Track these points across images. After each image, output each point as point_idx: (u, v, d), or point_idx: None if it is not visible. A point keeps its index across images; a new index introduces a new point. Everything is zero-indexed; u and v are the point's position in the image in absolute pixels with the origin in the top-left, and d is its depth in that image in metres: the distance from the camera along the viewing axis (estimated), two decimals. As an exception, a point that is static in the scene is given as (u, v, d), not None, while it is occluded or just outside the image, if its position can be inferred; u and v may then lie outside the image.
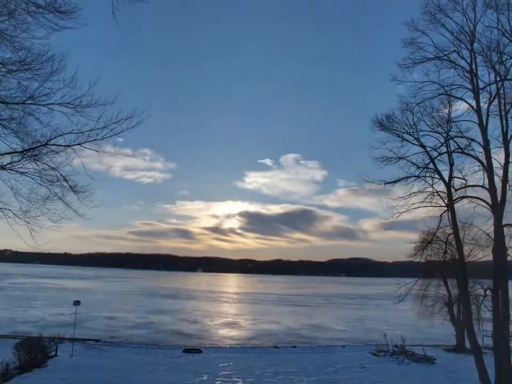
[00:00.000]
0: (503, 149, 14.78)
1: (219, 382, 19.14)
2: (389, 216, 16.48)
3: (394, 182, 16.63)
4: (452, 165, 16.08)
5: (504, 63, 14.71)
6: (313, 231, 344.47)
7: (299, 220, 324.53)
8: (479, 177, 15.32)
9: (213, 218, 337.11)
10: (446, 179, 16.00)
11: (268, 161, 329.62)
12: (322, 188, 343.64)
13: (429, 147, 16.44)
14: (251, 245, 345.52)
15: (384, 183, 16.79)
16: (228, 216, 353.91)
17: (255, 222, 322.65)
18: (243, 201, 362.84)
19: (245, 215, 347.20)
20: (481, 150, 15.21)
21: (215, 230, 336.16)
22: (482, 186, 15.19)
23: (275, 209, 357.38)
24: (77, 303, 25.75)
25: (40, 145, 11.51)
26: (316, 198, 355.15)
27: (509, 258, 14.74)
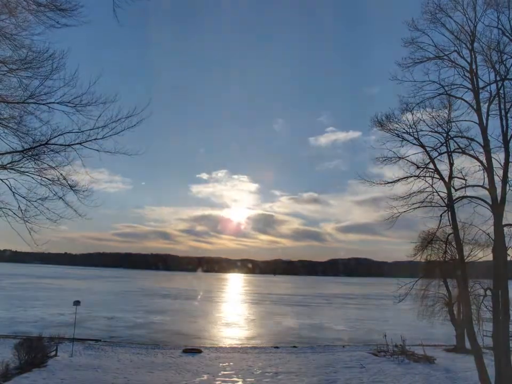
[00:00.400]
0: (503, 149, 14.78)
1: (219, 382, 19.14)
2: (388, 215, 16.49)
3: (394, 182, 16.63)
4: (451, 165, 16.08)
5: (504, 62, 14.72)
6: (280, 233, 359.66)
7: (263, 223, 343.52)
8: (479, 177, 15.32)
9: (183, 221, 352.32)
10: (446, 179, 16.00)
11: (204, 175, 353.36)
12: (264, 197, 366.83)
13: (429, 147, 16.45)
14: (229, 245, 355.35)
15: (384, 183, 16.81)
16: (196, 220, 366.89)
17: (224, 225, 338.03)
18: (204, 207, 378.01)
19: (212, 219, 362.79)
20: (481, 150, 15.21)
21: (190, 232, 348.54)
22: (482, 186, 15.19)
23: (236, 213, 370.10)
24: (77, 303, 25.75)
25: (40, 145, 11.48)
26: (264, 205, 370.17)
27: (509, 258, 14.73)
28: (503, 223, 14.55)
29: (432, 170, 16.29)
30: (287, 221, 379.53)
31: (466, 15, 15.10)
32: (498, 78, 14.92)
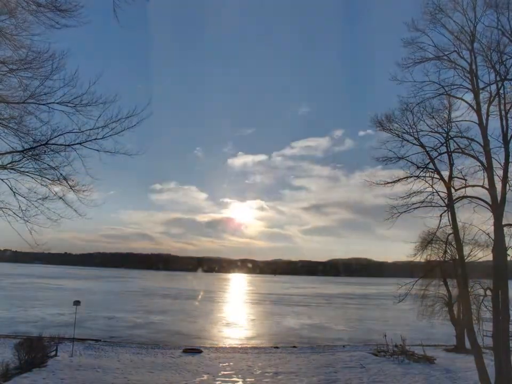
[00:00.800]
0: (503, 149, 14.79)
1: (219, 382, 19.16)
2: (388, 215, 16.49)
3: (394, 182, 16.64)
4: (451, 165, 16.10)
5: (504, 63, 14.72)
6: (247, 234, 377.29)
7: (229, 225, 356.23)
8: (479, 177, 15.34)
9: (158, 225, 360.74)
10: (446, 179, 16.01)
11: (157, 186, 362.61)
12: (215, 204, 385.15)
13: (429, 147, 16.46)
14: (209, 246, 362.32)
15: (384, 183, 16.82)
16: (168, 223, 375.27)
17: (197, 227, 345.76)
18: (168, 212, 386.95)
19: (183, 222, 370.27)
20: (481, 150, 15.21)
21: (167, 233, 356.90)
22: (482, 186, 15.20)
23: (203, 217, 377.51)
24: (77, 303, 25.76)
25: (41, 145, 11.48)
26: (220, 210, 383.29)
27: (509, 258, 14.73)
28: (503, 223, 14.55)
29: (432, 170, 16.31)
30: (251, 224, 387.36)
31: (466, 16, 15.11)
32: (498, 79, 14.93)
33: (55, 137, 11.46)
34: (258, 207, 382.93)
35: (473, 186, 15.70)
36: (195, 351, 26.81)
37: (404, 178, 16.48)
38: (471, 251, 24.76)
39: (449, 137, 16.23)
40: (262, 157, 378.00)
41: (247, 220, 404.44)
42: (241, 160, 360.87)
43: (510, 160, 14.54)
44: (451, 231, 16.51)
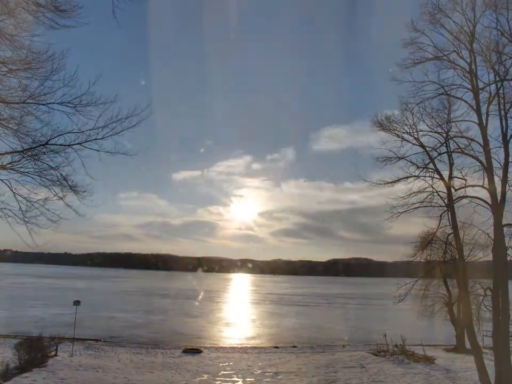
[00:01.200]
0: (503, 149, 14.80)
1: (219, 382, 19.16)
2: (388, 216, 16.51)
3: (394, 182, 16.65)
4: (451, 165, 16.11)
5: (503, 63, 14.74)
6: (224, 236, 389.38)
7: (207, 227, 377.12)
8: (479, 177, 15.36)
9: (137, 227, 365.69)
10: (446, 179, 16.02)
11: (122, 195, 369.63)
12: (180, 210, 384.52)
13: (429, 147, 16.49)
14: (190, 246, 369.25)
15: (384, 183, 16.82)
16: (145, 226, 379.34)
17: (174, 229, 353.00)
18: (140, 215, 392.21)
19: (160, 224, 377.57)
20: (481, 150, 15.23)
21: (149, 235, 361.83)
22: (482, 186, 15.21)
23: (177, 220, 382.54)
24: (77, 303, 25.75)
25: (40, 145, 11.49)
26: (193, 214, 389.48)
27: (509, 258, 14.74)
28: (503, 223, 14.56)
29: (432, 170, 16.32)
30: (225, 226, 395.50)
31: (466, 16, 15.13)
32: (497, 79, 14.94)
33: (55, 137, 11.48)
34: (217, 212, 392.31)
35: (473, 186, 15.72)
36: (195, 351, 26.81)
37: (404, 178, 16.49)
38: (471, 251, 24.82)
39: (449, 137, 16.24)
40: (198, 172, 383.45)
41: (216, 223, 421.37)
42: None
43: (510, 160, 14.56)
44: (451, 231, 16.53)
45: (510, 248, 14.64)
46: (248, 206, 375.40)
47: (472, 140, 15.69)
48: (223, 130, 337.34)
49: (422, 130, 16.63)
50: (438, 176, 16.16)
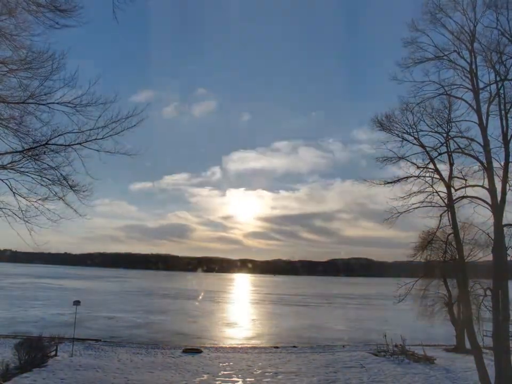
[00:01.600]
0: (503, 149, 14.80)
1: (219, 382, 19.16)
2: (388, 215, 16.50)
3: (394, 182, 16.64)
4: (451, 165, 16.10)
5: (504, 63, 14.74)
6: (196, 238, 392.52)
7: (181, 231, 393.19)
8: (479, 177, 15.36)
9: (114, 230, 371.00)
10: (446, 179, 16.01)
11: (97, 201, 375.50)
12: (151, 215, 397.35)
13: (429, 147, 16.49)
14: (170, 247, 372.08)
15: (384, 183, 16.81)
16: (125, 228, 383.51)
17: (152, 232, 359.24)
18: (117, 219, 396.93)
19: (138, 227, 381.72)
20: (481, 150, 15.23)
21: (131, 237, 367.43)
22: (482, 186, 15.20)
23: (153, 224, 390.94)
24: (77, 303, 25.75)
25: (40, 145, 11.47)
26: (166, 217, 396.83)
27: (509, 258, 14.74)
28: (503, 223, 14.56)
29: (432, 170, 16.32)
30: (196, 229, 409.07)
31: (466, 16, 15.14)
32: (498, 79, 14.94)
33: (55, 137, 11.46)
34: (185, 217, 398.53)
35: (473, 186, 15.73)
36: (195, 351, 26.80)
37: (404, 178, 16.49)
38: (471, 251, 24.79)
39: (449, 137, 16.24)
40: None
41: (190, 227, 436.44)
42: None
43: (510, 160, 14.55)
44: (451, 231, 16.52)
45: (510, 248, 14.65)
46: (210, 211, 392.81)
47: (472, 140, 15.70)
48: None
49: (422, 130, 16.65)
50: (438, 176, 16.17)
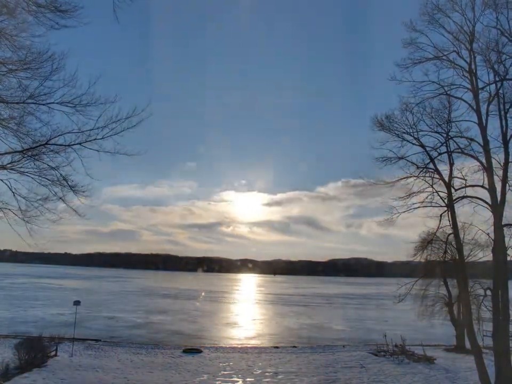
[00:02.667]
0: (503, 149, 14.80)
1: (219, 382, 19.15)
2: (388, 215, 16.51)
3: (394, 182, 16.64)
4: (451, 165, 16.11)
5: (503, 62, 14.73)
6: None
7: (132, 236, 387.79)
8: (479, 177, 15.38)
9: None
10: (446, 179, 16.01)
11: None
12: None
13: (429, 147, 16.49)
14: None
15: (384, 183, 16.81)
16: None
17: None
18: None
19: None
20: (481, 150, 15.24)
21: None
22: (482, 186, 15.21)
23: (107, 229, 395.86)
24: (77, 303, 25.76)
25: (40, 145, 11.49)
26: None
27: (509, 258, 14.74)
28: (503, 223, 14.56)
29: (432, 170, 16.32)
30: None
31: (465, 16, 15.15)
32: (497, 78, 14.95)
33: (55, 137, 11.48)
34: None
35: (473, 186, 15.73)
36: (195, 351, 26.81)
37: (404, 178, 16.49)
38: (471, 251, 24.82)
39: (449, 137, 16.24)
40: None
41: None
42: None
43: (510, 160, 14.56)
44: (451, 231, 16.52)
45: (510, 248, 14.65)
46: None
47: (472, 139, 15.71)
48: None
49: (422, 130, 16.65)
50: (438, 176, 16.16)
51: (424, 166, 16.38)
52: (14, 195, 11.48)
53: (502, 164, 14.73)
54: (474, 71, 15.36)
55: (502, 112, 14.75)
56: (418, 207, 16.43)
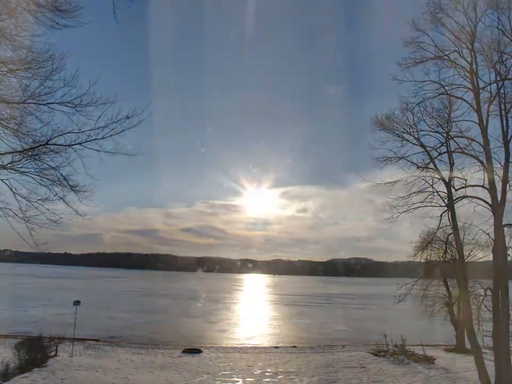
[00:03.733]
0: (503, 149, 14.79)
1: (219, 382, 19.15)
2: (388, 215, 16.51)
3: (394, 182, 16.63)
4: (452, 164, 16.10)
5: (504, 62, 14.72)
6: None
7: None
8: (479, 177, 15.36)
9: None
10: (446, 179, 16.01)
11: None
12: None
13: (429, 147, 16.49)
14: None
15: (384, 183, 16.81)
16: None
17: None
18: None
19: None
20: (481, 150, 15.22)
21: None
22: (482, 186, 15.20)
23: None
24: (77, 303, 25.73)
25: (40, 145, 11.49)
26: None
27: (509, 258, 14.74)
28: (503, 223, 14.56)
29: (432, 170, 16.31)
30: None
31: (467, 15, 15.10)
32: (498, 78, 14.93)
33: (55, 137, 11.48)
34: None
35: (473, 186, 15.72)
36: (195, 351, 26.80)
37: (404, 178, 16.49)
38: (471, 251, 24.80)
39: (450, 137, 16.24)
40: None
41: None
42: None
43: (510, 160, 14.55)
44: (451, 231, 16.52)
45: (510, 248, 14.65)
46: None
47: (472, 139, 15.70)
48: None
49: (423, 130, 16.64)
50: (438, 176, 16.16)
51: (425, 166, 16.38)
52: (14, 195, 11.48)
53: (502, 164, 14.73)
54: (475, 70, 15.34)
55: (503, 112, 14.74)
56: (418, 207, 16.43)
